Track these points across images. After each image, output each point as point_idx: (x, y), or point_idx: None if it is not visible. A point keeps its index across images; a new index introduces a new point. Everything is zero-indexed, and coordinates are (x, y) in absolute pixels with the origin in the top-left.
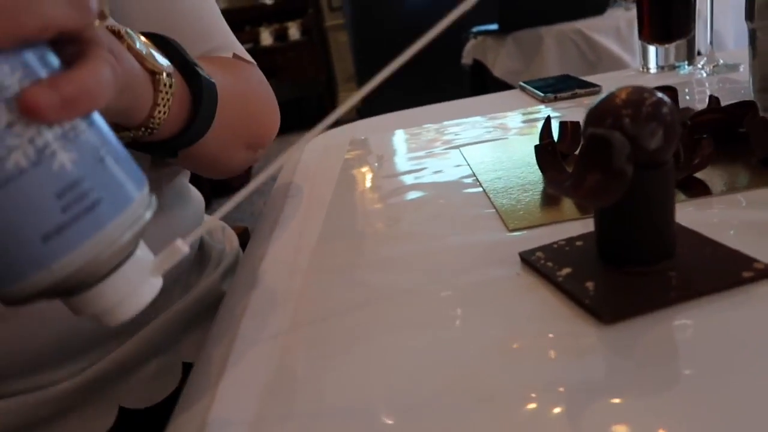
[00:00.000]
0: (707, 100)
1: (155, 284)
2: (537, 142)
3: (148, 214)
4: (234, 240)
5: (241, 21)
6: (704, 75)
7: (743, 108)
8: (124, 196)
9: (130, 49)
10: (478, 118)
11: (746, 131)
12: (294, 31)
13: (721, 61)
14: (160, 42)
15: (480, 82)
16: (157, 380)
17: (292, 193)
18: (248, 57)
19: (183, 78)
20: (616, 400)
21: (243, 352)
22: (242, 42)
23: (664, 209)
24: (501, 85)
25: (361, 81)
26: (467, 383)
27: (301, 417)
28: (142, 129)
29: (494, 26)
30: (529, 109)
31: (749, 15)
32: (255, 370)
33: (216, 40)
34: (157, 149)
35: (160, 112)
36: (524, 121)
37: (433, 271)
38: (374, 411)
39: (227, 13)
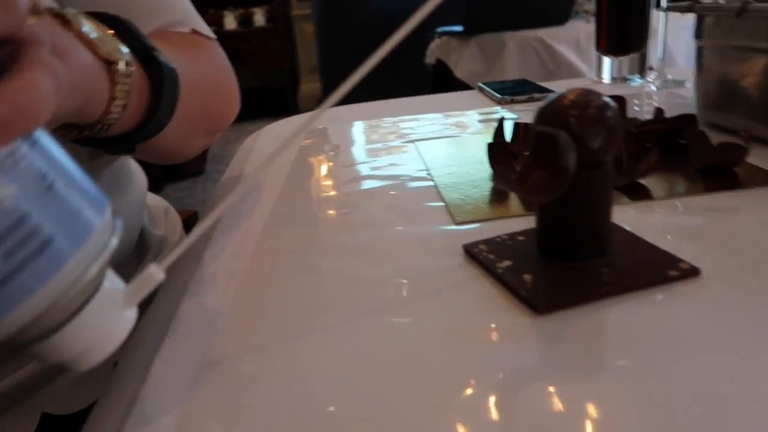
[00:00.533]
0: (654, 111)
1: (130, 317)
2: (490, 141)
3: (114, 241)
4: (178, 225)
5: (205, 3)
6: (654, 88)
7: (684, 120)
8: (82, 227)
9: (80, 37)
10: (435, 115)
11: (686, 142)
12: (259, 18)
13: (670, 77)
14: (113, 23)
15: (442, 82)
16: (82, 385)
17: (244, 179)
18: (209, 32)
19: (141, 65)
20: (550, 386)
21: (174, 342)
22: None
23: (601, 209)
24: (462, 86)
25: (325, 73)
26: (408, 369)
27: (235, 408)
28: (98, 126)
29: (459, 28)
30: (486, 110)
31: (697, 33)
32: (185, 361)
33: (173, 14)
34: (111, 145)
35: (118, 106)
36: (480, 121)
37: (380, 259)
38: (314, 398)
39: None
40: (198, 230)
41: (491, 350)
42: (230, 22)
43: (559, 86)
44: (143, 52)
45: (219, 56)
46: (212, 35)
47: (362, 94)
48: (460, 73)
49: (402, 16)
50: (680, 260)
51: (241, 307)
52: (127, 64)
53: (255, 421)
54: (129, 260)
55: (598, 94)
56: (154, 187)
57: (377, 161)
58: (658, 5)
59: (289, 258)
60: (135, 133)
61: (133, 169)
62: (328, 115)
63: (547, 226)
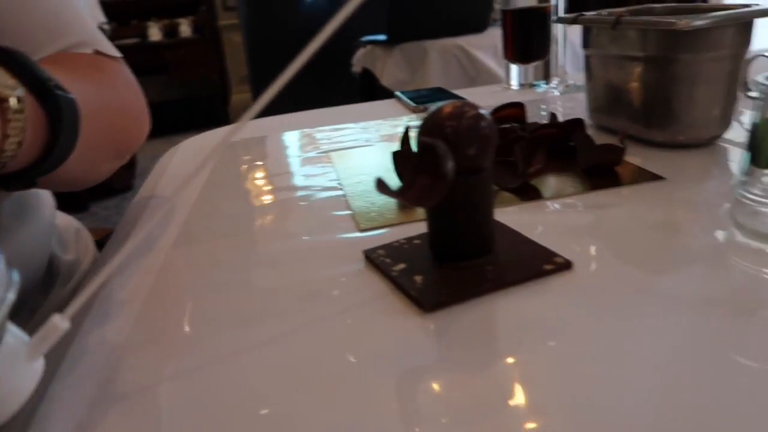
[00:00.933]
0: (549, 116)
1: (36, 369)
2: (396, 150)
3: (11, 296)
4: (90, 246)
5: (127, 14)
6: (557, 93)
7: (574, 124)
8: None
9: None
10: (351, 125)
11: (574, 145)
12: (185, 28)
13: (571, 82)
14: (2, 56)
15: (369, 90)
16: None
17: (158, 194)
18: (113, 51)
19: (36, 98)
20: (436, 377)
21: (73, 363)
22: (128, 36)
23: (483, 211)
24: (389, 94)
25: (255, 83)
26: (304, 371)
27: (135, 427)
28: None
29: (383, 37)
30: (401, 119)
31: (584, 43)
32: (84, 382)
33: (73, 36)
34: (8, 181)
35: (12, 143)
36: (393, 129)
37: (284, 269)
38: (215, 409)
39: (112, 6)
40: (100, 276)
41: (384, 347)
42: (155, 33)
43: (473, 93)
44: (37, 85)
45: (125, 76)
46: (117, 54)
47: (294, 104)
48: (385, 81)
49: (325, 18)
50: (556, 255)
51: (145, 326)
52: (19, 100)
53: None
54: (37, 289)
55: (474, 106)
56: (80, 205)
57: (291, 173)
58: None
59: (197, 274)
60: (34, 168)
61: (40, 194)
62: (249, 127)
63: (435, 229)
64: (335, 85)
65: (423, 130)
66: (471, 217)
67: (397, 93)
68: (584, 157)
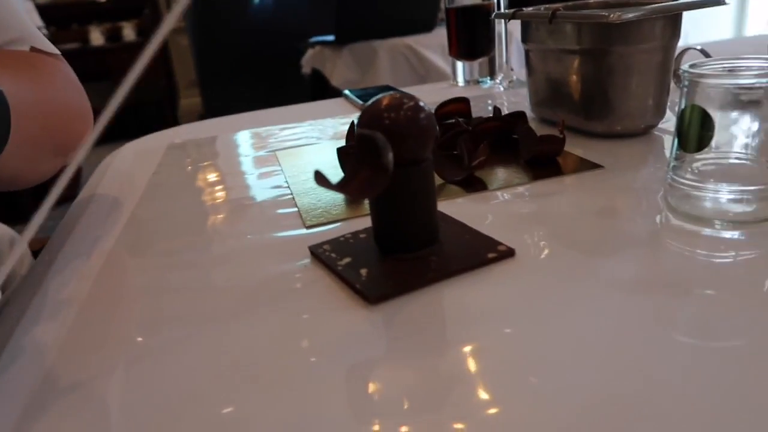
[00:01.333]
0: (492, 110)
1: None
2: (340, 146)
3: None
4: (26, 256)
5: (67, 18)
6: (501, 89)
7: (517, 117)
8: None
9: None
10: (300, 124)
11: (517, 137)
12: (129, 32)
13: (515, 78)
14: None
15: (320, 90)
16: None
17: (98, 197)
18: (51, 48)
19: None
20: (387, 368)
21: (8, 364)
22: (69, 41)
23: (426, 201)
24: (339, 94)
25: (204, 87)
26: (254, 368)
27: (71, 424)
28: None
29: (331, 38)
30: (349, 117)
31: (523, 38)
32: (19, 383)
33: (8, 33)
34: None
35: None
36: (341, 127)
37: (229, 268)
38: (156, 404)
39: (51, 9)
40: (13, 256)
41: (334, 342)
42: (97, 37)
43: (420, 90)
44: None
45: (64, 73)
46: (55, 51)
47: (248, 106)
48: (335, 81)
49: (278, 26)
50: (499, 243)
51: (86, 326)
52: None
53: None
54: None
55: (412, 98)
56: (21, 215)
57: (239, 173)
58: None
59: (138, 275)
60: None
61: None
62: (189, 130)
63: (379, 221)
64: (286, 87)
65: (361, 123)
66: (413, 207)
67: (345, 92)
68: (527, 149)
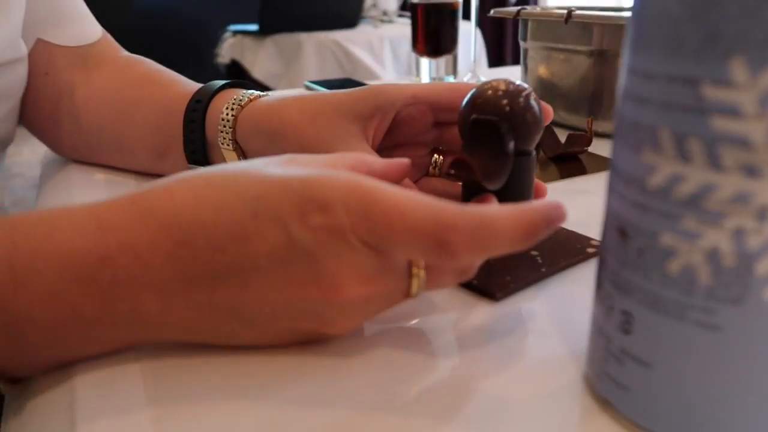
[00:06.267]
0: None
1: None
2: None
3: None
4: None
5: None
6: None
7: None
8: None
9: None
10: None
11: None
12: None
13: (482, 78)
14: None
15: None
16: None
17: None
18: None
19: None
20: (518, 365)
21: None
22: None
23: (530, 193)
24: (261, 87)
25: None
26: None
27: None
28: None
29: (253, 27)
30: None
31: (523, 36)
32: None
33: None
34: None
35: None
36: None
37: None
38: None
39: None
40: None
41: (456, 340)
42: None
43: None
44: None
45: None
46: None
47: None
48: (257, 72)
49: (167, 17)
50: (590, 238)
51: None
52: None
53: None
54: None
55: (525, 86)
56: None
57: None
58: (465, 14)
59: None
60: None
61: None
62: None
63: None
64: (199, 76)
65: (474, 108)
66: (521, 199)
67: (308, 83)
68: (550, 147)
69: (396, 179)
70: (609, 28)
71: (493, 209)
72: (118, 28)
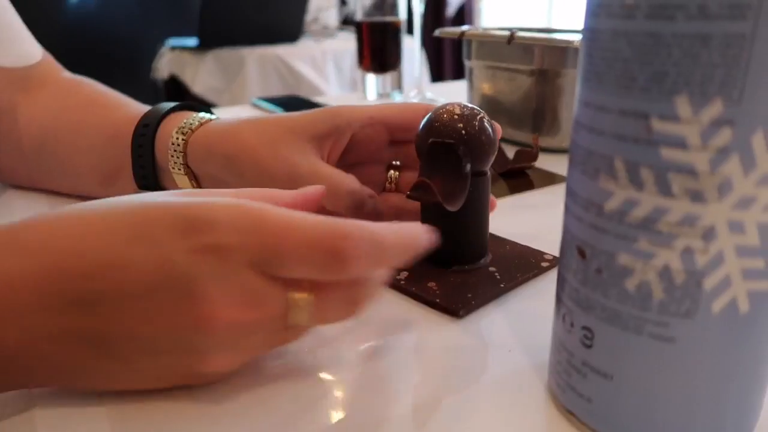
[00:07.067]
0: None
1: None
2: None
3: None
4: None
5: None
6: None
7: None
8: None
9: None
10: None
11: None
12: None
13: (428, 93)
14: None
15: (177, 98)
16: None
17: None
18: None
19: None
20: (483, 379)
21: None
22: None
23: (486, 213)
24: (201, 103)
25: None
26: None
27: None
28: None
29: (193, 41)
30: None
31: (467, 55)
32: None
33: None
34: None
35: None
36: None
37: None
38: None
39: None
40: None
41: (423, 360)
42: None
43: (332, 102)
44: None
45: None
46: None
47: None
48: (197, 88)
49: (98, 30)
50: (543, 252)
51: None
52: None
53: None
54: None
55: (479, 110)
56: None
57: None
58: (409, 31)
59: None
60: None
61: None
62: None
63: (445, 233)
64: (135, 92)
65: (431, 132)
66: (477, 219)
67: (255, 101)
68: (498, 163)
69: (308, 209)
70: (549, 49)
71: (378, 225)
72: (43, 43)
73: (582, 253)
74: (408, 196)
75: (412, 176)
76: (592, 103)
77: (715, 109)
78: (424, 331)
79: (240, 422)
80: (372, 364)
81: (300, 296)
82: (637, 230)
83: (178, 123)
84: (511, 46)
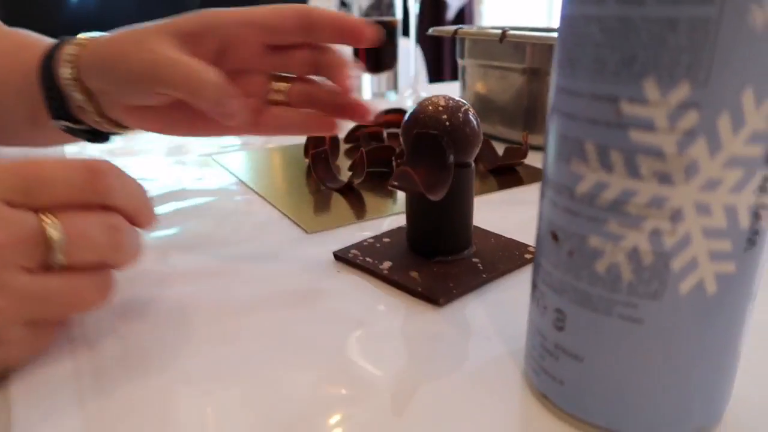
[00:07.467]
0: None
1: None
2: (315, 150)
3: None
4: None
5: None
6: (409, 102)
7: None
8: None
9: None
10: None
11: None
12: None
13: (422, 94)
14: None
15: None
16: None
17: None
18: None
19: None
20: (462, 366)
21: None
22: None
23: (470, 204)
24: None
25: None
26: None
27: None
28: None
29: None
30: None
31: (461, 54)
32: None
33: None
34: None
35: None
36: None
37: (242, 279)
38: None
39: None
40: None
41: (408, 346)
42: None
43: None
44: None
45: None
46: None
47: None
48: None
49: (99, 19)
50: (528, 245)
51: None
52: None
53: None
54: None
55: (463, 102)
56: None
57: (179, 177)
58: (405, 32)
59: (136, 291)
60: None
61: None
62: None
63: (423, 225)
64: None
65: (417, 123)
66: (461, 210)
67: None
68: (488, 159)
69: None
70: (540, 47)
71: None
72: (49, 31)
73: (555, 237)
74: (390, 185)
75: (302, 87)
76: (566, 88)
77: (682, 91)
78: (405, 319)
79: (224, 424)
80: (352, 351)
81: (52, 220)
82: (607, 212)
83: (73, 43)
84: (503, 45)
